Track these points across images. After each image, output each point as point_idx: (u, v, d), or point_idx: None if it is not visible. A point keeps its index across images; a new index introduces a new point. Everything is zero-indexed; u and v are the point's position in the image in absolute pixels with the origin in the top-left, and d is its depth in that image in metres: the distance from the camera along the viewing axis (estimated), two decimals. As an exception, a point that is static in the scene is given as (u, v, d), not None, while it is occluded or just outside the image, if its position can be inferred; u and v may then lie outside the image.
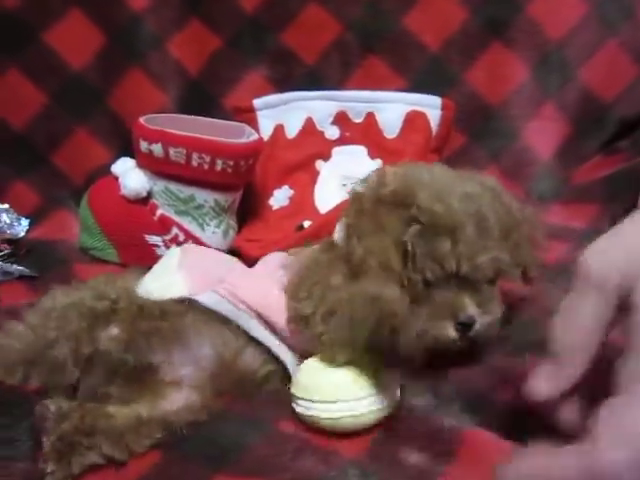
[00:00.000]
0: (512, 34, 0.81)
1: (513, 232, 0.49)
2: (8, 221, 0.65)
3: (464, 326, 0.46)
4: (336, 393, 0.43)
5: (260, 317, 0.49)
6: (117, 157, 0.79)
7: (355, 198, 0.50)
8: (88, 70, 0.82)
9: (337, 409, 0.42)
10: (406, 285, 0.45)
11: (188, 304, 0.49)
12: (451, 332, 0.46)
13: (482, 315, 0.47)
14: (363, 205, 0.49)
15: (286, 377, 0.48)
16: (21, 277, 0.65)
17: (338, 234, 0.50)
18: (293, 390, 0.44)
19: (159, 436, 0.42)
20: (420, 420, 0.44)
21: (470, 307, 0.46)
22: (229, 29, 0.84)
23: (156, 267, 0.54)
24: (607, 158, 0.82)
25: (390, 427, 0.44)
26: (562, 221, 0.76)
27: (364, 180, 0.51)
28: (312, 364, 0.45)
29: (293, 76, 0.84)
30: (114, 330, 0.47)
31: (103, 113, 0.83)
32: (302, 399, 0.43)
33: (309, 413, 0.43)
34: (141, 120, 0.68)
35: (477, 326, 0.46)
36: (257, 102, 0.80)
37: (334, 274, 0.47)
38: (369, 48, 0.83)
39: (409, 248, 0.45)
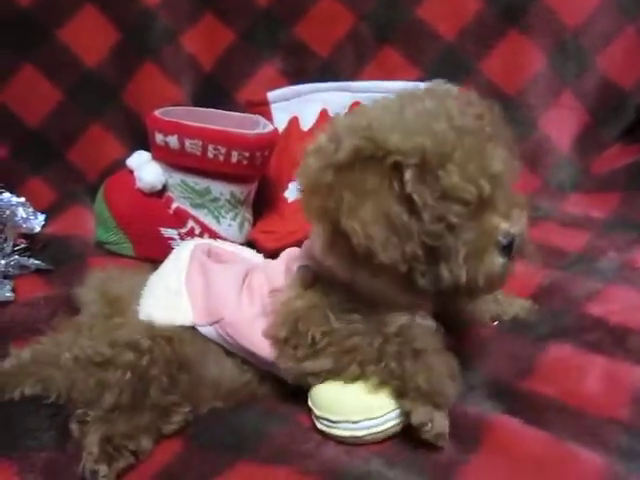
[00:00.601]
0: (528, 22, 0.80)
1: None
2: (24, 215, 0.65)
3: (508, 246, 0.42)
4: (357, 414, 0.42)
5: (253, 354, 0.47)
6: (132, 152, 0.80)
7: (309, 175, 0.43)
8: (102, 66, 0.82)
9: (358, 427, 0.42)
10: (427, 241, 0.40)
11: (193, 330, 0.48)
12: (499, 260, 0.41)
13: (515, 226, 0.42)
14: (322, 180, 0.41)
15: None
16: (37, 271, 0.65)
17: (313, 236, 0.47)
18: (314, 408, 0.44)
19: None
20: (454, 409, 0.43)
21: (502, 225, 0.42)
22: (242, 23, 0.84)
23: (156, 286, 0.50)
24: (627, 147, 0.81)
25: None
26: (582, 210, 0.75)
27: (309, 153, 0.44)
28: (331, 384, 0.44)
29: (307, 69, 0.84)
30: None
31: (117, 108, 0.83)
32: (323, 418, 0.43)
33: (331, 431, 0.43)
34: (156, 113, 0.68)
35: (517, 240, 0.42)
36: (271, 95, 0.80)
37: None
38: (383, 39, 0.82)
39: (416, 199, 0.39)
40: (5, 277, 0.61)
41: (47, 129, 0.83)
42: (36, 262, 0.65)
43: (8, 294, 0.58)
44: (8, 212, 0.64)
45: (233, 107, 0.81)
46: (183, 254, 0.52)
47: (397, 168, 0.40)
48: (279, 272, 0.49)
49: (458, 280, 0.40)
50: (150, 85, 0.83)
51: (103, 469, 0.40)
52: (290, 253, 0.51)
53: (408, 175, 0.40)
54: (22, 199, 0.65)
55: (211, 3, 0.84)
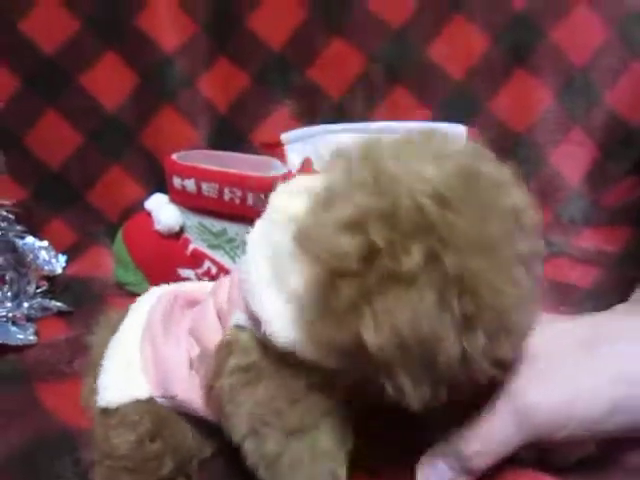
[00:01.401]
0: (536, 60, 0.82)
1: None
2: (47, 258, 0.66)
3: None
4: None
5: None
6: (151, 193, 0.82)
7: (329, 260, 0.31)
8: (122, 110, 0.85)
9: None
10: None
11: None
12: None
13: None
14: (361, 280, 0.30)
15: None
16: (58, 312, 0.67)
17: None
18: None
19: None
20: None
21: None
22: (256, 67, 0.87)
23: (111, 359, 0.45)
24: (637, 180, 0.82)
25: None
26: (594, 245, 0.76)
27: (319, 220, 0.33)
28: None
29: (319, 110, 0.86)
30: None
31: (136, 151, 0.85)
32: None
33: None
34: (173, 157, 0.71)
35: None
36: (285, 136, 0.82)
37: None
38: (394, 80, 0.85)
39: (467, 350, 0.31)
40: (28, 320, 0.63)
41: (68, 172, 0.85)
42: (57, 304, 0.66)
43: (31, 337, 0.59)
44: (31, 255, 0.66)
45: (248, 148, 0.84)
46: (141, 311, 0.49)
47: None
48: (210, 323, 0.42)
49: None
50: (168, 128, 0.85)
51: None
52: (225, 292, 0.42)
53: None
54: (45, 243, 0.67)
55: (226, 48, 0.87)
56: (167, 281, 0.72)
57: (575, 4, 0.81)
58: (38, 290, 0.67)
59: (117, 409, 0.42)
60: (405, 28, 0.85)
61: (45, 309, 0.65)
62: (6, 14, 0.85)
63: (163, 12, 0.86)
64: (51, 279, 0.71)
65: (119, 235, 0.75)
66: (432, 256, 0.30)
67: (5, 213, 0.62)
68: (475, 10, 0.84)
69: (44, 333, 0.62)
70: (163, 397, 0.43)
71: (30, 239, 0.66)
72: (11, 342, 0.57)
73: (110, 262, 0.78)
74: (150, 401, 0.43)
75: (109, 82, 0.87)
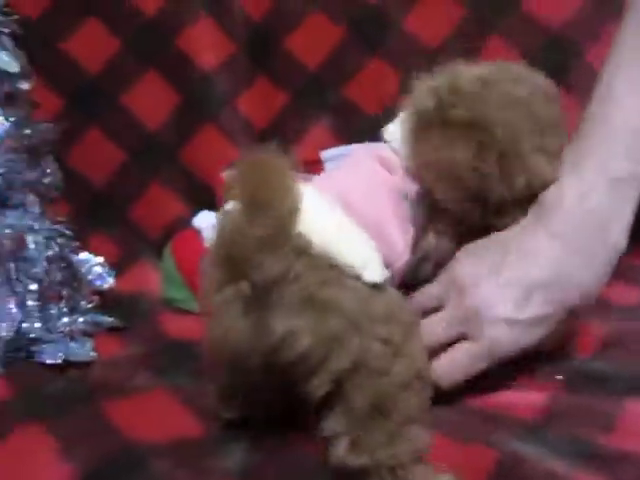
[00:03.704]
0: (572, 80, 0.83)
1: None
2: (100, 273, 0.68)
3: None
4: None
5: None
6: (191, 210, 0.83)
7: (418, 112, 0.55)
8: (163, 128, 0.87)
9: None
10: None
11: None
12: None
13: None
14: (429, 122, 0.54)
15: None
16: (111, 328, 0.67)
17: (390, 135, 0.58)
18: None
19: None
20: (533, 467, 0.44)
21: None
22: (294, 85, 0.89)
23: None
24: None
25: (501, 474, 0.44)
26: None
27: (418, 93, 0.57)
28: None
29: (356, 127, 0.88)
30: None
31: (177, 168, 0.87)
32: None
33: None
34: (224, 176, 0.72)
35: None
36: (324, 154, 0.83)
37: None
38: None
39: (485, 172, 0.52)
40: (84, 335, 0.63)
41: (110, 189, 0.87)
42: (109, 320, 0.67)
43: (91, 353, 0.60)
44: (84, 270, 0.67)
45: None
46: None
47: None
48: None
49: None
50: (208, 146, 0.87)
51: None
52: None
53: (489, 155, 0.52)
54: (100, 259, 0.68)
55: (265, 67, 0.89)
56: (215, 297, 0.74)
57: None
58: (89, 305, 0.68)
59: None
60: (441, 48, 0.87)
61: (98, 324, 0.66)
62: (50, 35, 0.88)
63: (203, 32, 0.88)
64: (100, 294, 0.72)
65: (168, 252, 0.76)
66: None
67: (62, 229, 0.63)
68: (512, 32, 0.86)
69: (100, 349, 0.63)
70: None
71: (84, 255, 0.67)
72: (73, 358, 0.58)
73: (156, 278, 0.79)
74: None
75: (150, 101, 0.89)
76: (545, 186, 0.54)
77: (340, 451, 0.41)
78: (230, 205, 0.43)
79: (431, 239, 0.56)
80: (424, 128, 0.54)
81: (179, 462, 0.47)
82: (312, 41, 0.88)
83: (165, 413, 0.54)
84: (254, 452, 0.51)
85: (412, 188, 0.55)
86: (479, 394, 0.53)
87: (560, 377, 0.55)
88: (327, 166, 0.85)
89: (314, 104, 0.87)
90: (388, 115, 0.91)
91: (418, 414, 0.43)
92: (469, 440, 0.47)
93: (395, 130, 0.58)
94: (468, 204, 0.54)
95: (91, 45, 0.86)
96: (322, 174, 0.60)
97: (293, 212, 0.41)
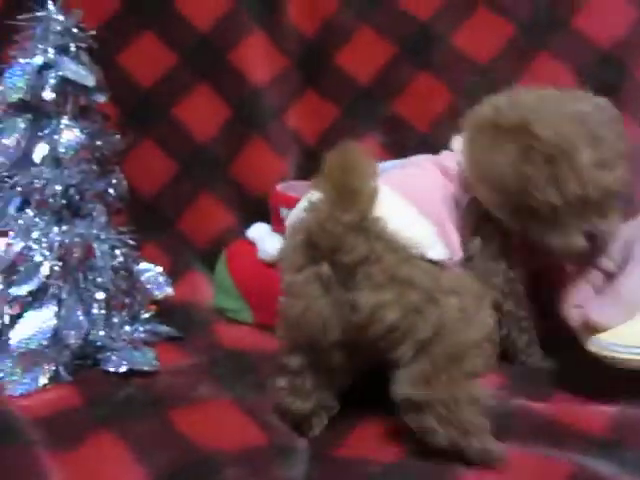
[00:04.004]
0: (623, 97, 0.83)
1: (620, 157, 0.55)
2: (160, 281, 0.68)
3: (592, 235, 0.54)
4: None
5: None
6: (240, 222, 0.85)
7: (476, 118, 0.58)
8: (213, 141, 0.88)
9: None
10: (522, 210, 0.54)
11: None
12: (581, 239, 0.54)
13: (605, 223, 0.55)
14: (483, 126, 0.56)
15: None
16: (168, 338, 0.68)
17: (456, 144, 0.60)
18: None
19: None
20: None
21: (594, 218, 0.54)
22: (344, 100, 0.90)
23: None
24: None
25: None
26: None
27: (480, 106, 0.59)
28: None
29: (406, 143, 0.88)
30: None
31: (226, 180, 0.88)
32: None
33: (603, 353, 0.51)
34: (278, 189, 0.73)
35: (603, 237, 0.55)
36: (374, 167, 0.84)
37: None
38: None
39: (530, 174, 0.53)
40: (144, 344, 0.64)
41: (160, 200, 0.88)
42: (167, 329, 0.68)
43: (154, 362, 0.61)
44: (144, 279, 0.68)
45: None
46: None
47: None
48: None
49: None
50: (257, 159, 0.88)
51: None
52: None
53: (534, 157, 0.53)
54: (160, 269, 0.69)
55: (315, 82, 0.90)
56: (269, 309, 0.75)
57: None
58: (147, 315, 0.69)
59: None
60: (491, 64, 0.88)
61: (157, 334, 0.67)
62: (107, 49, 0.89)
63: (255, 47, 0.90)
64: (155, 304, 0.73)
65: (221, 263, 0.77)
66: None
67: (126, 239, 0.64)
68: (561, 48, 0.86)
69: (160, 358, 0.63)
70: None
71: (145, 264, 0.68)
72: (137, 367, 0.59)
73: (207, 288, 0.80)
74: None
75: (202, 114, 0.90)
76: (607, 196, 0.54)
77: (406, 386, 0.46)
78: (314, 196, 0.48)
79: (477, 242, 0.58)
80: (477, 133, 0.57)
81: (250, 471, 0.48)
82: (362, 56, 0.89)
83: (230, 422, 0.55)
84: (318, 462, 0.52)
85: (465, 196, 0.58)
86: (550, 406, 0.53)
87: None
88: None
89: (363, 119, 0.88)
90: (438, 131, 0.93)
91: (482, 371, 0.48)
92: (542, 452, 0.47)
93: (459, 140, 0.61)
94: (510, 209, 0.55)
95: (146, 59, 0.88)
96: (385, 174, 0.61)
97: (373, 198, 0.46)
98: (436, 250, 0.51)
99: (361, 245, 0.46)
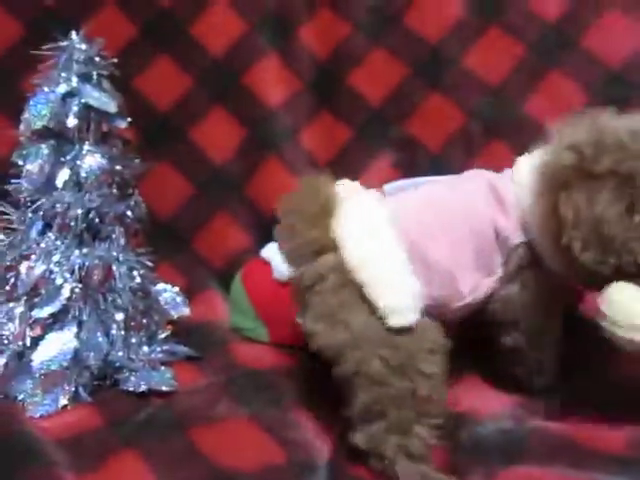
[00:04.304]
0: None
1: None
2: (177, 302, 0.69)
3: None
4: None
5: None
6: (255, 241, 0.86)
7: (558, 167, 0.52)
8: (229, 162, 0.90)
9: None
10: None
11: None
12: None
13: None
14: (570, 176, 0.51)
15: None
16: (186, 358, 0.69)
17: (521, 174, 0.57)
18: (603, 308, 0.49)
19: None
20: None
21: None
22: (356, 120, 0.91)
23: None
24: None
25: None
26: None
27: (560, 150, 0.53)
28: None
29: (418, 162, 0.89)
30: None
31: (242, 201, 0.89)
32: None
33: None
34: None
35: None
36: (388, 187, 0.85)
37: None
38: (492, 134, 0.87)
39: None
40: (162, 364, 0.65)
41: (177, 220, 0.89)
42: (184, 349, 0.69)
43: (172, 382, 0.61)
44: (161, 299, 0.69)
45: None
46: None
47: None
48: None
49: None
50: (272, 180, 0.89)
51: None
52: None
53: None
54: (176, 289, 0.70)
55: (328, 103, 0.92)
56: (285, 328, 0.76)
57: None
58: (164, 335, 0.69)
59: None
60: (502, 84, 0.89)
61: (173, 354, 0.68)
62: (123, 73, 0.92)
63: (269, 70, 0.91)
64: (172, 323, 0.74)
65: (237, 282, 0.78)
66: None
67: (144, 261, 0.65)
68: (572, 67, 0.87)
69: (178, 377, 0.64)
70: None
71: (162, 285, 0.70)
72: (155, 387, 0.60)
73: (223, 307, 0.81)
74: None
75: (217, 136, 0.92)
76: None
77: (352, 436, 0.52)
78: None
79: (514, 288, 0.56)
80: (562, 184, 0.51)
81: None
82: (374, 78, 0.90)
83: (248, 440, 0.56)
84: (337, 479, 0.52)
85: (518, 237, 0.55)
86: (567, 425, 0.53)
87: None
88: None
89: (376, 139, 0.89)
90: (449, 151, 0.94)
91: (408, 426, 0.51)
92: (561, 471, 0.47)
93: (525, 171, 0.57)
94: (609, 265, 0.50)
95: (162, 83, 0.90)
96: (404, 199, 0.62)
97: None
98: (398, 316, 0.51)
99: (310, 272, 0.53)
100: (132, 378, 0.60)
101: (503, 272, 0.55)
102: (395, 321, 0.50)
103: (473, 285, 0.55)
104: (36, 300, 0.60)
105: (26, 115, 0.60)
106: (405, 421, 0.51)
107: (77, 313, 0.60)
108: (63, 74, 0.60)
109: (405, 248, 0.53)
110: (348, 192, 0.60)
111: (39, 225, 0.61)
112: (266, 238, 0.82)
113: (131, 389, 0.60)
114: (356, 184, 0.64)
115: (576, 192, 0.50)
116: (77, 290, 0.60)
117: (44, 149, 0.59)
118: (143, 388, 0.60)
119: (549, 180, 0.52)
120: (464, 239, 0.55)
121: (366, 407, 0.51)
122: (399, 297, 0.51)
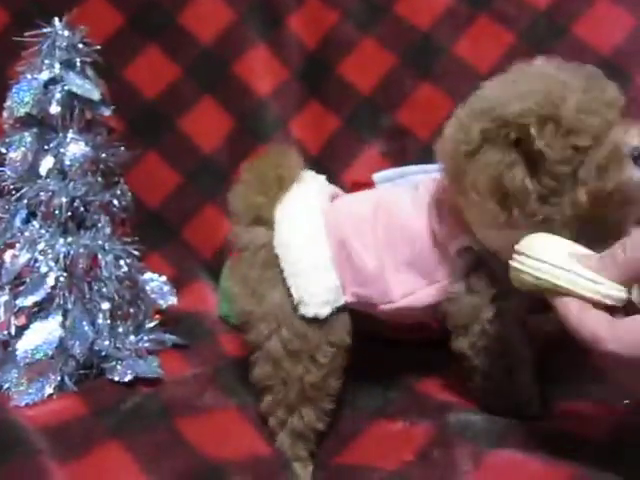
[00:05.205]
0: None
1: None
2: (164, 291, 0.69)
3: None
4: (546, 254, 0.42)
5: None
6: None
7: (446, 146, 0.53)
8: (218, 152, 0.89)
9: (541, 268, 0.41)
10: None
11: None
12: (635, 172, 0.46)
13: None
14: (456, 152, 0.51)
15: None
16: (173, 346, 0.68)
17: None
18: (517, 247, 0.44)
19: None
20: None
21: (628, 139, 0.48)
22: (346, 109, 0.90)
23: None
24: None
25: None
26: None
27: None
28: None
29: (408, 151, 0.89)
30: None
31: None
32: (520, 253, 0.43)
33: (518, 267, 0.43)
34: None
35: None
36: (376, 176, 0.84)
37: None
38: (481, 123, 0.87)
39: (545, 150, 0.46)
40: (149, 353, 0.65)
41: (165, 210, 0.89)
42: (172, 337, 0.68)
43: (159, 370, 0.61)
44: (148, 289, 0.69)
45: (338, 187, 0.87)
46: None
47: (521, 133, 0.46)
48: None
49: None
50: (262, 169, 0.89)
51: None
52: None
53: (533, 132, 0.46)
54: (163, 278, 0.70)
55: (317, 92, 0.91)
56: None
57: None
58: (152, 324, 0.69)
59: None
60: (492, 72, 0.88)
61: (161, 343, 0.67)
62: (112, 62, 0.91)
63: (258, 59, 0.91)
64: (161, 313, 0.73)
65: (227, 270, 0.77)
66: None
67: (131, 250, 0.65)
68: (562, 56, 0.86)
69: (165, 366, 0.64)
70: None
71: (149, 274, 0.69)
72: (142, 375, 0.60)
73: (212, 297, 0.81)
74: None
75: (206, 125, 0.91)
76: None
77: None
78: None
79: (462, 292, 0.52)
80: (455, 164, 0.52)
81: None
82: (364, 67, 0.89)
83: (235, 431, 0.55)
84: (321, 471, 0.53)
85: (457, 243, 0.52)
86: (555, 413, 0.53)
87: (627, 402, 0.54)
88: (379, 187, 0.86)
89: (366, 128, 0.89)
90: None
91: (294, 406, 0.54)
92: (544, 456, 0.47)
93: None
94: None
95: (150, 72, 0.89)
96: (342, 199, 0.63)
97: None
98: (309, 307, 0.53)
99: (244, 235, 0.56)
100: (118, 367, 0.60)
101: (450, 282, 0.52)
102: (305, 312, 0.53)
103: (406, 290, 0.53)
104: (21, 289, 0.59)
105: (9, 102, 0.59)
106: (291, 401, 0.54)
107: (62, 302, 0.59)
108: (46, 61, 0.59)
109: (332, 243, 0.54)
110: (308, 178, 0.60)
111: (23, 213, 0.61)
112: (255, 228, 0.82)
113: (117, 378, 0.60)
114: (323, 180, 0.63)
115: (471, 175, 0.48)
116: (62, 279, 0.59)
117: (27, 137, 0.58)
118: (129, 377, 0.59)
119: (448, 165, 0.54)
120: (399, 243, 0.53)
121: (259, 380, 0.55)
122: (314, 291, 0.53)
